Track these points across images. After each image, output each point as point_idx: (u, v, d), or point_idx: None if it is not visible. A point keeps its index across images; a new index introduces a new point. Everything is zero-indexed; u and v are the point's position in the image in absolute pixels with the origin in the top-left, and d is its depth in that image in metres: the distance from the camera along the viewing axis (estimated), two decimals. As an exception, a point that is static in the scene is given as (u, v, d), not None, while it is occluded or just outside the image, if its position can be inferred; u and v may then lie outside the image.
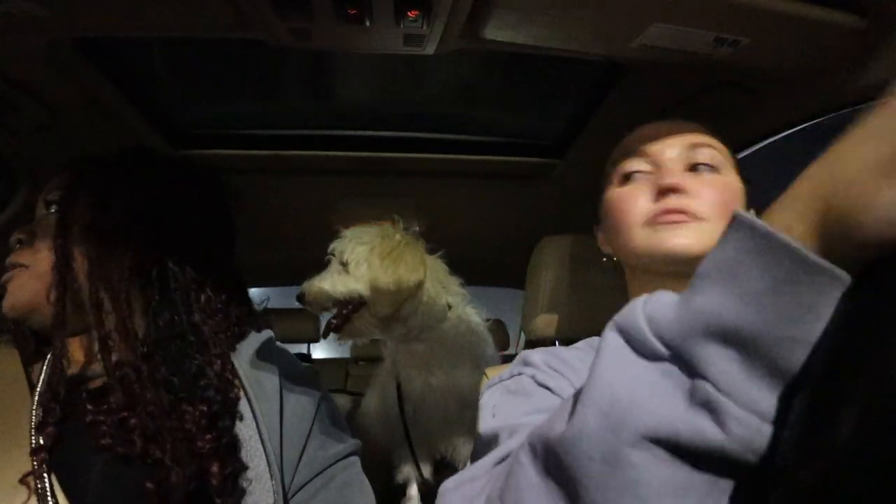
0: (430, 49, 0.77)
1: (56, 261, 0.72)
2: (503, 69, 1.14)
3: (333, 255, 1.37)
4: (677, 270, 0.67)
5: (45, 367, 0.73)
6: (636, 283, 0.77)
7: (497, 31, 0.75)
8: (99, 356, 0.72)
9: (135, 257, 0.74)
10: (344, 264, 1.35)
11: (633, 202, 0.72)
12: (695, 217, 0.67)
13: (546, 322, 0.94)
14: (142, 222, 0.76)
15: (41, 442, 0.66)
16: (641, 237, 0.70)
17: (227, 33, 0.77)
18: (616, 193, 0.75)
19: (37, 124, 0.96)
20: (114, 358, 0.71)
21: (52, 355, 0.73)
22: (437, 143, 1.28)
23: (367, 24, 0.71)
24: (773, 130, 0.99)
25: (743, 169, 0.77)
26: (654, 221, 0.69)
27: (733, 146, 1.06)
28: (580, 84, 1.12)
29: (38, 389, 0.71)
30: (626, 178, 0.75)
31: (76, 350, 0.75)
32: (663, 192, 0.68)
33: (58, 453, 0.66)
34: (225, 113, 1.27)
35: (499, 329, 2.31)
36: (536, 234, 1.06)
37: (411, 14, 0.69)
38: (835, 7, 0.67)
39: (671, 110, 1.00)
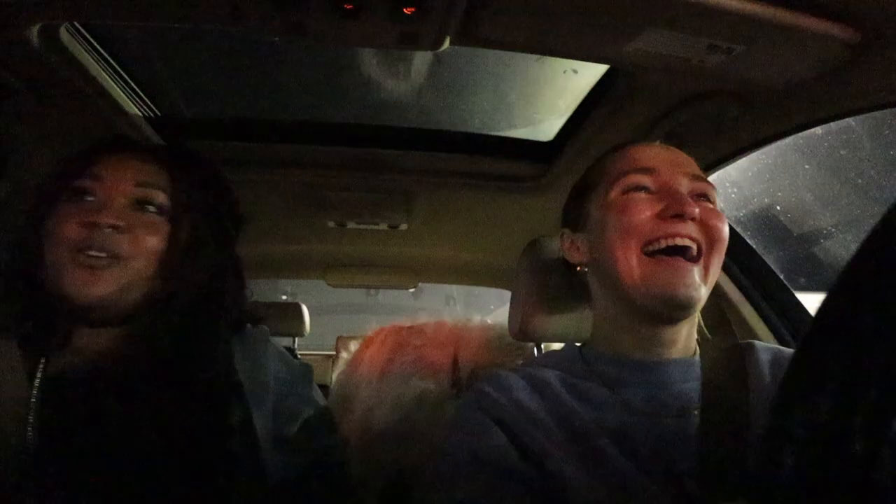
0: (424, 46, 0.77)
1: (163, 255, 0.74)
2: (497, 72, 1.15)
3: None
4: (667, 314, 0.68)
5: (41, 362, 0.70)
6: (613, 311, 0.73)
7: (492, 32, 0.74)
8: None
9: (212, 246, 0.79)
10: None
11: (638, 212, 0.68)
12: (698, 252, 0.66)
13: (529, 324, 0.93)
14: (219, 214, 0.81)
15: (37, 435, 0.65)
16: (640, 265, 0.67)
17: (221, 25, 0.76)
18: (620, 199, 0.71)
19: (26, 109, 0.94)
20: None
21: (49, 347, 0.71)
22: (428, 140, 1.28)
23: (363, 19, 0.70)
24: (764, 140, 1.00)
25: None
26: (655, 252, 0.66)
27: (724, 154, 1.07)
28: (572, 89, 1.12)
29: (37, 383, 0.68)
30: (630, 189, 0.71)
31: (94, 340, 0.73)
32: (676, 215, 0.66)
33: (59, 443, 0.65)
34: (215, 103, 1.26)
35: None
36: (526, 237, 1.06)
37: (407, 10, 0.69)
38: (829, 18, 0.68)
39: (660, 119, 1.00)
